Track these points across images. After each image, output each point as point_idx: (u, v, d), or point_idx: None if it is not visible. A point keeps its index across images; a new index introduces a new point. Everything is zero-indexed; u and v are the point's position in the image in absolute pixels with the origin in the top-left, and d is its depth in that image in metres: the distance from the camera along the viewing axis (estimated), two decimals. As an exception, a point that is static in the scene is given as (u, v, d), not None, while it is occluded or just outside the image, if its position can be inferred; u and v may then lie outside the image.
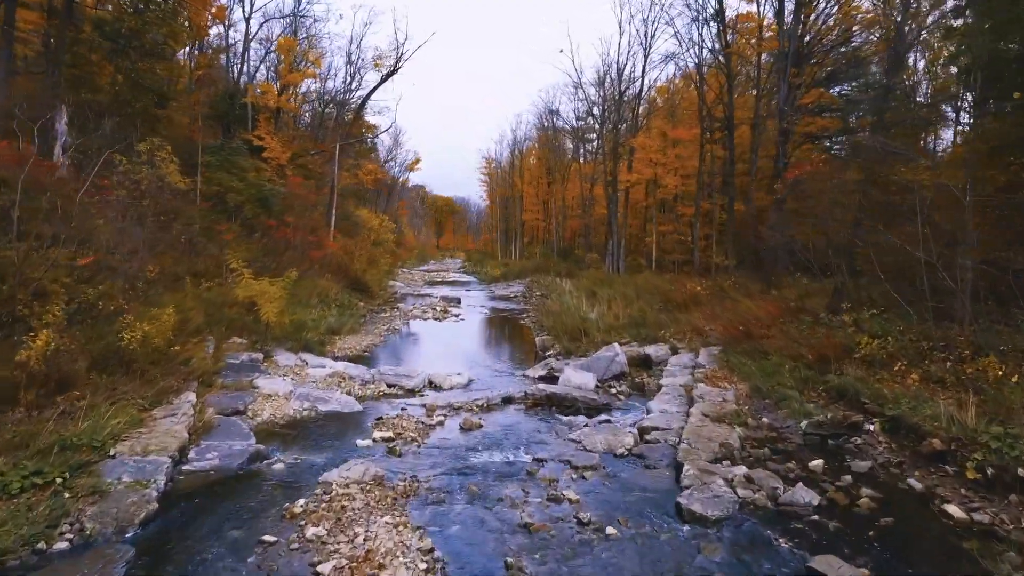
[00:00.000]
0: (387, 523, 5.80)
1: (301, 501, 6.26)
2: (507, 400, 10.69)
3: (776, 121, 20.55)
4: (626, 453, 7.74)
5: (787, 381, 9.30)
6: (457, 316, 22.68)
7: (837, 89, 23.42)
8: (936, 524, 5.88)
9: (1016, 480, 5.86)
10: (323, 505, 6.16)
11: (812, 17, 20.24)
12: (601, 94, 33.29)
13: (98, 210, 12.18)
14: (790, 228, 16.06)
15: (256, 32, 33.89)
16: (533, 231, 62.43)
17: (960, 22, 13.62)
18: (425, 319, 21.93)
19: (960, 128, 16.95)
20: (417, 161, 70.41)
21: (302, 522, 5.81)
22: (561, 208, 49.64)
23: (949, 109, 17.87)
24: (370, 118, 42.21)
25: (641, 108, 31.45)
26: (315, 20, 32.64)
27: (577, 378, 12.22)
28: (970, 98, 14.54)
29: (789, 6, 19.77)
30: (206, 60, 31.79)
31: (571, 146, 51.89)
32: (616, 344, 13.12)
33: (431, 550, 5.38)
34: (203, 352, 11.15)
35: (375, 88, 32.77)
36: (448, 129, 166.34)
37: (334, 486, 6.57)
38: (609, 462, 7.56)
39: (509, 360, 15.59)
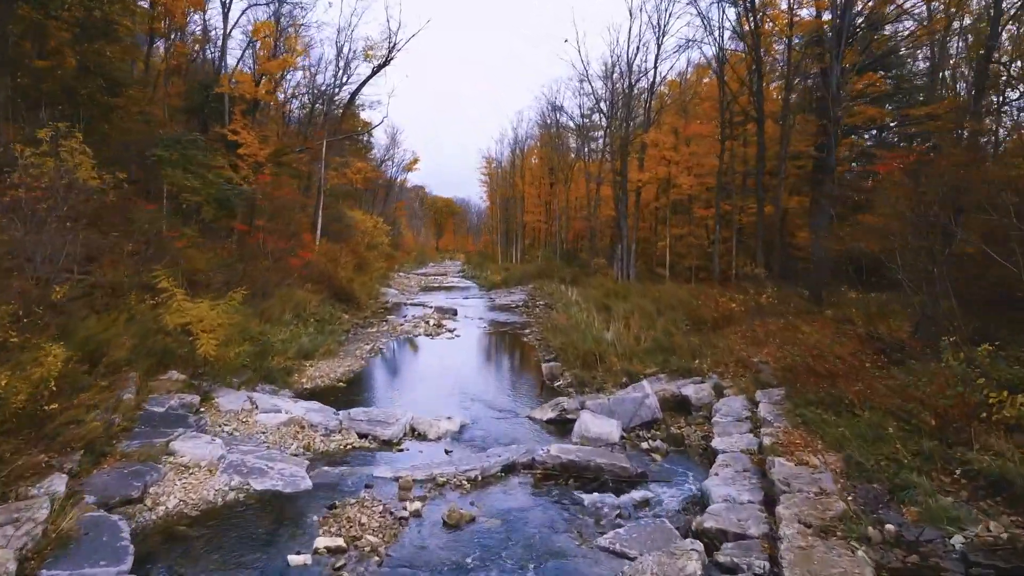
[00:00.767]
0: None
1: None
2: (509, 469, 7.97)
3: (823, 111, 17.84)
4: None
5: (900, 454, 6.58)
6: (452, 332, 19.96)
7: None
8: None
9: None
10: None
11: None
12: (609, 87, 30.60)
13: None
14: (845, 234, 13.34)
15: (238, 19, 31.23)
16: (535, 233, 59.73)
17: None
18: (416, 335, 19.21)
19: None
20: (415, 161, 67.71)
21: None
22: (564, 209, 46.94)
23: None
24: (361, 113, 39.57)
25: (653, 102, 28.71)
26: (300, 5, 29.93)
27: (597, 426, 9.53)
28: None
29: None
30: (183, 49, 29.11)
31: (575, 144, 49.17)
32: (645, 382, 10.39)
33: None
34: (113, 399, 8.43)
35: (366, 80, 30.05)
36: (441, 114, 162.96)
37: None
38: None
39: (511, 392, 12.87)
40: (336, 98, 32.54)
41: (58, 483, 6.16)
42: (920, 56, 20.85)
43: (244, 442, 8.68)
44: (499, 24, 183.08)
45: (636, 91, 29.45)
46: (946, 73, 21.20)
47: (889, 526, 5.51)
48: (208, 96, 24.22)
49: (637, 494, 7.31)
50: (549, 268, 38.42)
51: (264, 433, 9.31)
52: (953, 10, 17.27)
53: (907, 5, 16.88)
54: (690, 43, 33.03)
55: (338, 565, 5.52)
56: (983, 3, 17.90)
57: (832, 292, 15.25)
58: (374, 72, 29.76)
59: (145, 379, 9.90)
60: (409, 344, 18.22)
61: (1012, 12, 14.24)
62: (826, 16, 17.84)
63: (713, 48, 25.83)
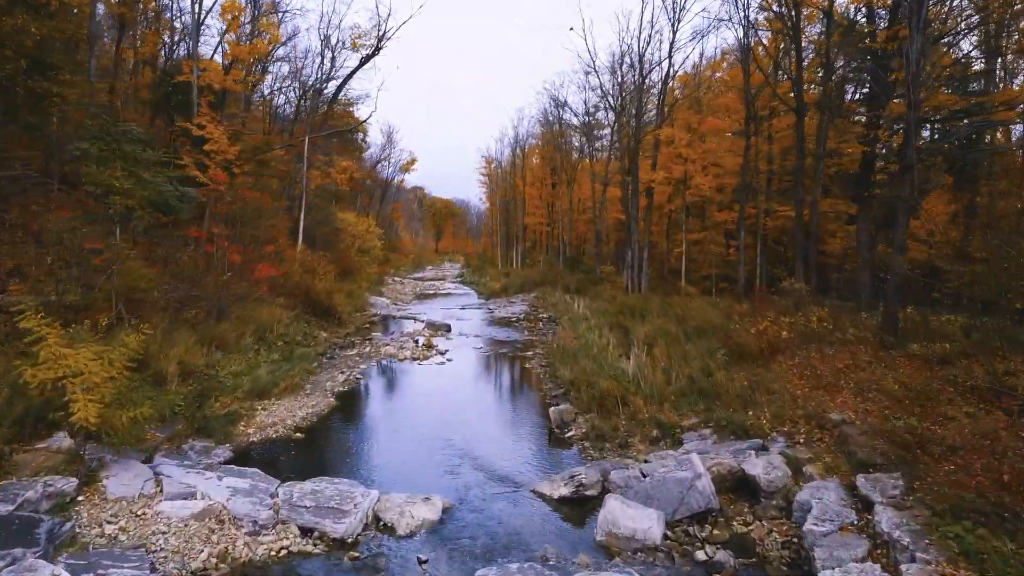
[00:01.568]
0: None
1: None
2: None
3: (874, 98, 15.07)
4: None
5: None
6: (444, 354, 17.16)
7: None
8: None
9: None
10: None
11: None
12: (618, 79, 27.79)
13: None
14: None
15: (214, 4, 28.42)
16: (536, 236, 56.96)
17: None
18: (401, 360, 16.41)
19: None
20: (413, 161, 64.97)
21: None
22: (567, 211, 44.15)
23: None
24: (355, 111, 36.82)
25: (667, 95, 25.88)
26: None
27: (629, 518, 6.75)
28: None
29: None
30: (154, 38, 26.36)
31: (578, 143, 46.36)
32: (693, 456, 7.56)
33: None
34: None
35: (354, 72, 27.29)
36: (435, 105, 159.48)
37: None
38: None
39: (511, 446, 10.08)
40: (324, 92, 29.78)
41: None
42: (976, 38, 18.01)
43: (124, 559, 5.89)
44: (493, 13, 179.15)
45: (648, 83, 26.65)
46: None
47: None
48: (171, 86, 21.50)
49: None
50: (552, 274, 35.64)
51: (164, 534, 6.53)
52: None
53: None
54: (713, 24, 30.12)
55: None
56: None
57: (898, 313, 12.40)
58: (362, 63, 27.03)
59: (6, 451, 7.13)
60: (392, 372, 15.42)
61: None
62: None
63: (737, 31, 22.98)
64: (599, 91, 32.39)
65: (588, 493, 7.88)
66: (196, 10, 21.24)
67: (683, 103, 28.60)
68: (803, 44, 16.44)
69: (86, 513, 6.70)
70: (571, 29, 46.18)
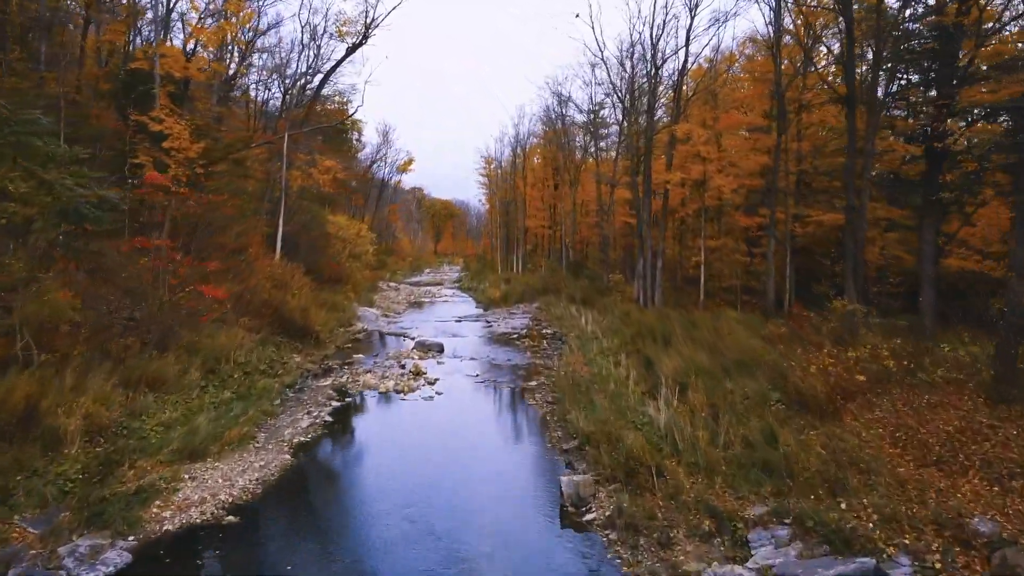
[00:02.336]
0: None
1: None
2: None
3: (942, 80, 12.49)
4: None
5: None
6: (433, 385, 14.55)
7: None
8: None
9: None
10: None
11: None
12: (629, 70, 25.20)
13: None
14: None
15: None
16: (537, 239, 54.38)
17: None
18: (383, 392, 13.81)
19: None
20: (410, 162, 62.44)
21: None
22: (570, 214, 41.55)
23: None
24: (350, 110, 34.21)
25: (684, 87, 23.24)
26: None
27: None
28: None
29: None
30: (120, 27, 23.74)
31: (581, 142, 43.75)
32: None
33: None
34: None
35: (339, 62, 24.75)
36: (426, 92, 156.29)
37: None
38: None
39: (514, 539, 7.48)
40: (309, 86, 27.19)
41: None
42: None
43: None
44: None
45: (660, 76, 24.02)
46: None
47: None
48: (129, 76, 18.92)
49: None
50: (555, 281, 33.05)
51: None
52: None
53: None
54: (740, 3, 27.34)
55: None
56: None
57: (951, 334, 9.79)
58: (349, 52, 24.45)
59: None
60: (369, 412, 12.83)
61: None
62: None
63: (766, 13, 20.32)
64: (606, 85, 29.81)
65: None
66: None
67: (698, 97, 25.99)
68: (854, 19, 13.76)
69: None
70: (577, 16, 43.16)
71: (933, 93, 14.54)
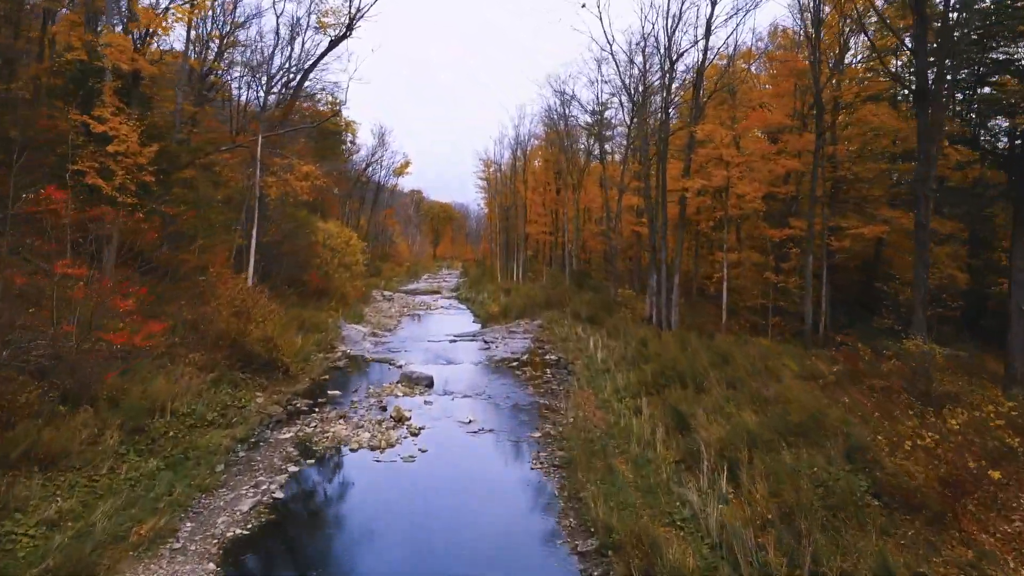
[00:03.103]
0: None
1: None
2: None
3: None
4: None
5: None
6: (416, 436, 12.04)
7: None
8: None
9: None
10: None
11: None
12: (640, 65, 22.73)
13: None
14: None
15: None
16: (538, 245, 51.90)
17: None
18: (355, 449, 11.28)
19: None
20: (406, 164, 60.04)
21: None
22: (573, 219, 39.05)
23: None
24: (345, 112, 31.69)
25: (704, 83, 20.70)
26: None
27: None
28: None
29: None
30: (76, 18, 21.24)
31: (585, 145, 41.24)
32: None
33: None
34: None
35: (320, 57, 22.26)
36: (413, 80, 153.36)
37: None
38: None
39: None
40: (290, 84, 24.69)
41: None
42: None
43: None
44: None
45: (679, 69, 21.51)
46: None
47: None
48: (79, 70, 16.43)
49: None
50: (559, 294, 30.57)
51: None
52: None
53: None
54: None
55: None
56: None
57: None
58: (332, 46, 21.95)
59: None
60: (332, 482, 10.32)
61: None
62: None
63: None
64: (614, 83, 27.30)
65: None
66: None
67: (715, 96, 23.48)
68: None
69: None
70: (584, 6, 40.57)
71: None
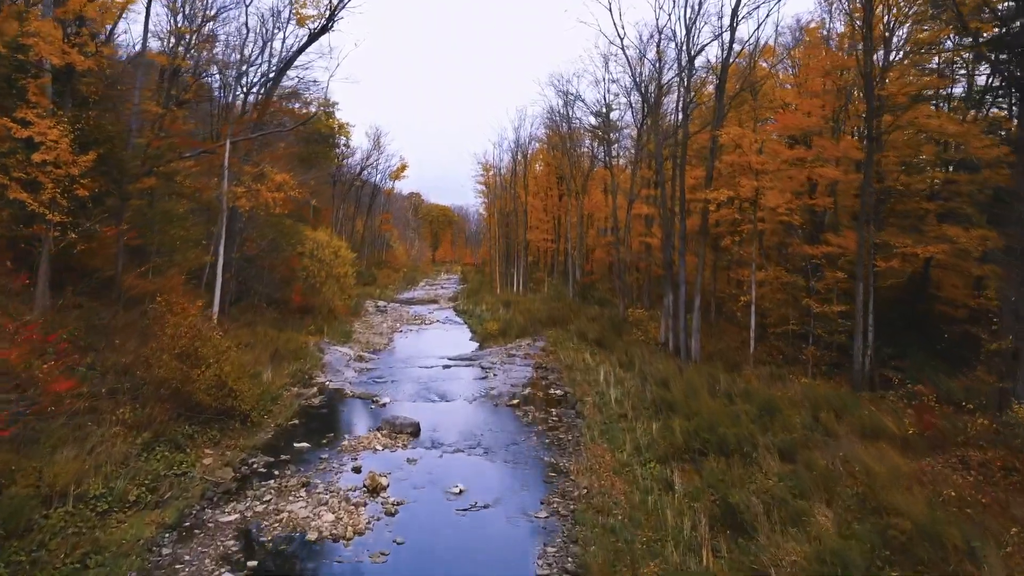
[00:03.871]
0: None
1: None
2: None
3: None
4: None
5: None
6: (393, 517, 9.60)
7: None
8: None
9: None
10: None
11: None
12: (654, 61, 20.30)
13: None
14: None
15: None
16: (539, 252, 49.50)
17: None
18: (313, 540, 8.83)
19: None
20: (403, 168, 57.70)
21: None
22: (577, 226, 36.62)
23: None
24: (338, 114, 29.27)
25: (728, 82, 18.24)
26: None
27: None
28: None
29: None
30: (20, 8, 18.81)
31: (588, 148, 38.81)
32: None
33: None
34: None
35: (298, 52, 19.87)
36: (394, 64, 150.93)
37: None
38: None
39: None
40: (267, 84, 22.26)
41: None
42: None
43: None
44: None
45: (698, 65, 19.09)
46: None
47: None
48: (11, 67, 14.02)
49: None
50: (562, 310, 28.16)
51: None
52: None
53: None
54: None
55: None
56: None
57: None
58: (310, 40, 19.57)
59: None
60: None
61: None
62: None
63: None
64: (623, 81, 24.88)
65: None
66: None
67: (737, 97, 21.01)
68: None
69: None
70: (591, -4, 37.98)
71: None
